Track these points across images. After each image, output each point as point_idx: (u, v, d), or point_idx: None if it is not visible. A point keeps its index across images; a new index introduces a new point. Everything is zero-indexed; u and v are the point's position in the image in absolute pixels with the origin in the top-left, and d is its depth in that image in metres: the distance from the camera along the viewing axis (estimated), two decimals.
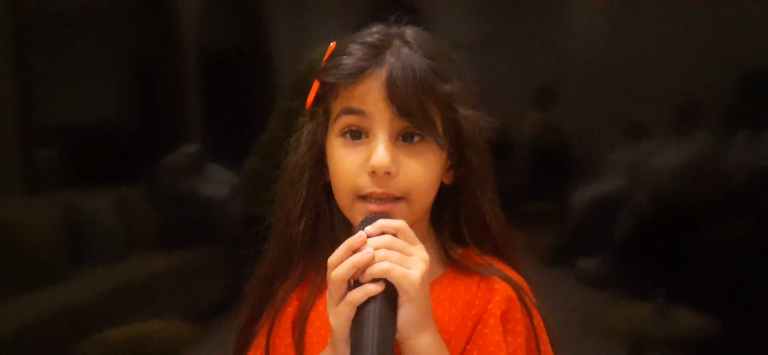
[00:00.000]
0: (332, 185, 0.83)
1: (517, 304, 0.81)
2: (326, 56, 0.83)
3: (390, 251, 0.70)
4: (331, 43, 0.84)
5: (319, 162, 0.84)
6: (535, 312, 0.83)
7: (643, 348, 1.95)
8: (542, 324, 0.83)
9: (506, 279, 0.82)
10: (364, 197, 0.78)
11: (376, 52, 0.78)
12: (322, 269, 0.79)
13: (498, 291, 0.81)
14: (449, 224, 0.86)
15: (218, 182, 2.13)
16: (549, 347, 0.83)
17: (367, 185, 0.77)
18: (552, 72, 1.91)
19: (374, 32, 0.81)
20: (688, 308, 1.89)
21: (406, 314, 0.71)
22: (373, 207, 0.77)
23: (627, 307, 1.99)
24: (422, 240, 0.75)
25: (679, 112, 1.86)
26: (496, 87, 1.93)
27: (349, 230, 0.81)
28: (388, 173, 0.76)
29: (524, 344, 0.80)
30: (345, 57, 0.79)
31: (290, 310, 0.86)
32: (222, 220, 2.11)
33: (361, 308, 0.69)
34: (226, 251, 2.12)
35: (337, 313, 0.71)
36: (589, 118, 1.90)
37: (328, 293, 0.73)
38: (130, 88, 2.18)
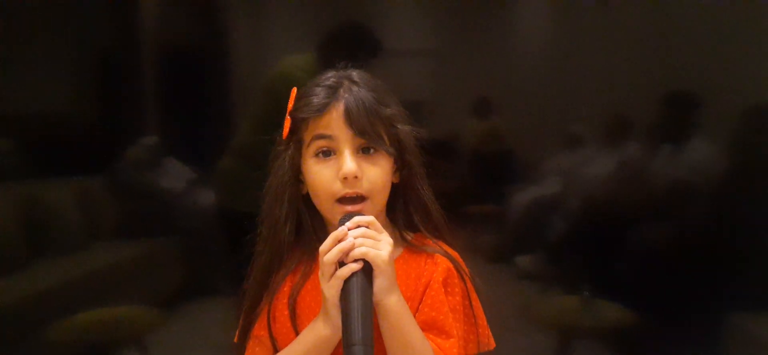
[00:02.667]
0: (312, 195, 1.06)
1: (455, 272, 1.07)
2: (291, 100, 1.08)
3: (365, 239, 0.94)
4: (293, 89, 1.08)
5: (296, 180, 1.07)
6: (467, 279, 1.08)
7: (571, 336, 2.12)
8: (473, 286, 1.09)
9: (445, 255, 1.08)
10: (339, 200, 1.01)
11: (334, 91, 1.02)
12: (308, 259, 1.07)
13: (439, 264, 1.07)
14: (401, 214, 1.10)
15: (175, 176, 2.20)
16: (478, 303, 1.10)
17: (341, 189, 1.01)
18: (496, 83, 2.03)
19: (329, 77, 1.06)
20: (610, 302, 2.06)
21: (379, 282, 0.94)
22: (348, 208, 1.01)
23: (558, 299, 2.17)
24: (384, 228, 0.98)
25: (609, 126, 2.03)
26: (442, 94, 2.05)
27: (326, 227, 1.06)
28: (356, 177, 1.00)
29: (461, 301, 1.07)
30: (311, 97, 1.03)
31: (285, 289, 1.08)
32: (179, 212, 2.17)
33: (346, 282, 0.92)
34: (184, 241, 2.19)
35: (329, 286, 0.94)
36: (529, 128, 2.04)
37: (320, 273, 0.95)
38: (88, 79, 2.19)
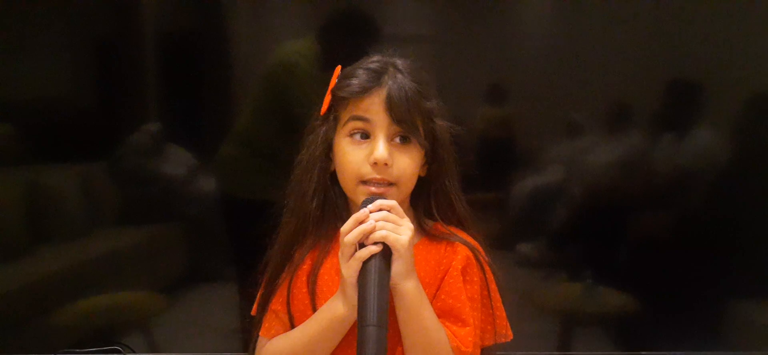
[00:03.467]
0: (338, 173, 1.09)
1: (474, 261, 1.09)
2: (334, 78, 1.09)
3: (386, 222, 0.96)
4: (337, 67, 1.10)
5: (327, 156, 1.10)
6: (486, 268, 1.11)
7: (573, 322, 2.15)
8: (492, 277, 1.11)
9: (465, 243, 1.10)
10: (365, 182, 1.03)
11: (377, 75, 1.04)
12: (330, 237, 1.09)
13: (459, 252, 1.09)
14: (423, 204, 1.12)
15: (176, 162, 2.19)
16: (497, 294, 1.12)
17: (369, 173, 1.03)
18: (501, 70, 2.03)
19: (375, 61, 1.07)
20: (612, 288, 2.09)
21: (397, 266, 0.96)
22: (373, 189, 1.03)
23: (560, 286, 2.18)
24: (405, 215, 1.00)
25: (612, 114, 2.03)
26: (449, 81, 2.04)
27: (349, 207, 1.08)
28: (386, 164, 1.02)
29: (479, 290, 1.08)
30: (354, 79, 1.05)
31: (305, 267, 1.10)
32: (181, 198, 2.17)
33: (365, 263, 0.94)
34: (186, 227, 2.19)
35: (348, 266, 0.96)
36: (532, 115, 2.04)
37: (340, 253, 0.97)
38: (90, 64, 2.17)
